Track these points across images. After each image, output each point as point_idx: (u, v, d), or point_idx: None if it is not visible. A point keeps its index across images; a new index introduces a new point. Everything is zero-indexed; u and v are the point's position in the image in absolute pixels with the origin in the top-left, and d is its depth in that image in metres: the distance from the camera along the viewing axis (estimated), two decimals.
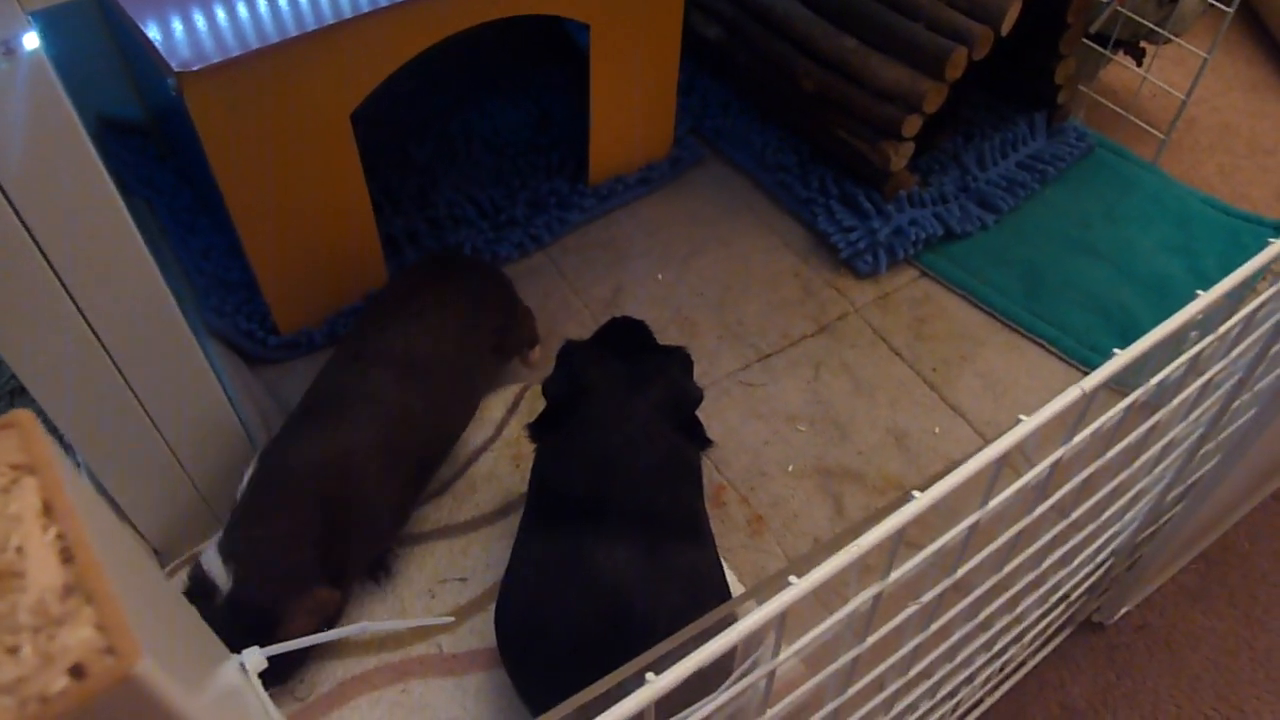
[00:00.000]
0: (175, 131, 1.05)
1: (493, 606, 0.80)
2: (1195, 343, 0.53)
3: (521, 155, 1.18)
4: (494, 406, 0.96)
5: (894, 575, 0.42)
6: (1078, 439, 0.46)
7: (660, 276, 1.10)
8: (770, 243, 1.14)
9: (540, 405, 0.94)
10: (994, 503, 0.44)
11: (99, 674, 0.18)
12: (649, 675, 0.31)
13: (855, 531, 0.36)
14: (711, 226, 1.15)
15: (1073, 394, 0.41)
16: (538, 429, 0.79)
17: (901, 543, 0.40)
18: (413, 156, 1.17)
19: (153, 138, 1.16)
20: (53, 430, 0.78)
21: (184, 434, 0.78)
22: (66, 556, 0.19)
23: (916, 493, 0.37)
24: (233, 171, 0.84)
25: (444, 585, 0.84)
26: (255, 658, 0.32)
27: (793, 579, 0.34)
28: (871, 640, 0.46)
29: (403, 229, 1.09)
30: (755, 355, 1.03)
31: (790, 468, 0.94)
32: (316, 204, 0.92)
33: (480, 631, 0.81)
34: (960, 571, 0.47)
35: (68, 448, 0.77)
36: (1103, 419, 0.49)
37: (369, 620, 0.81)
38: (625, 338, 0.83)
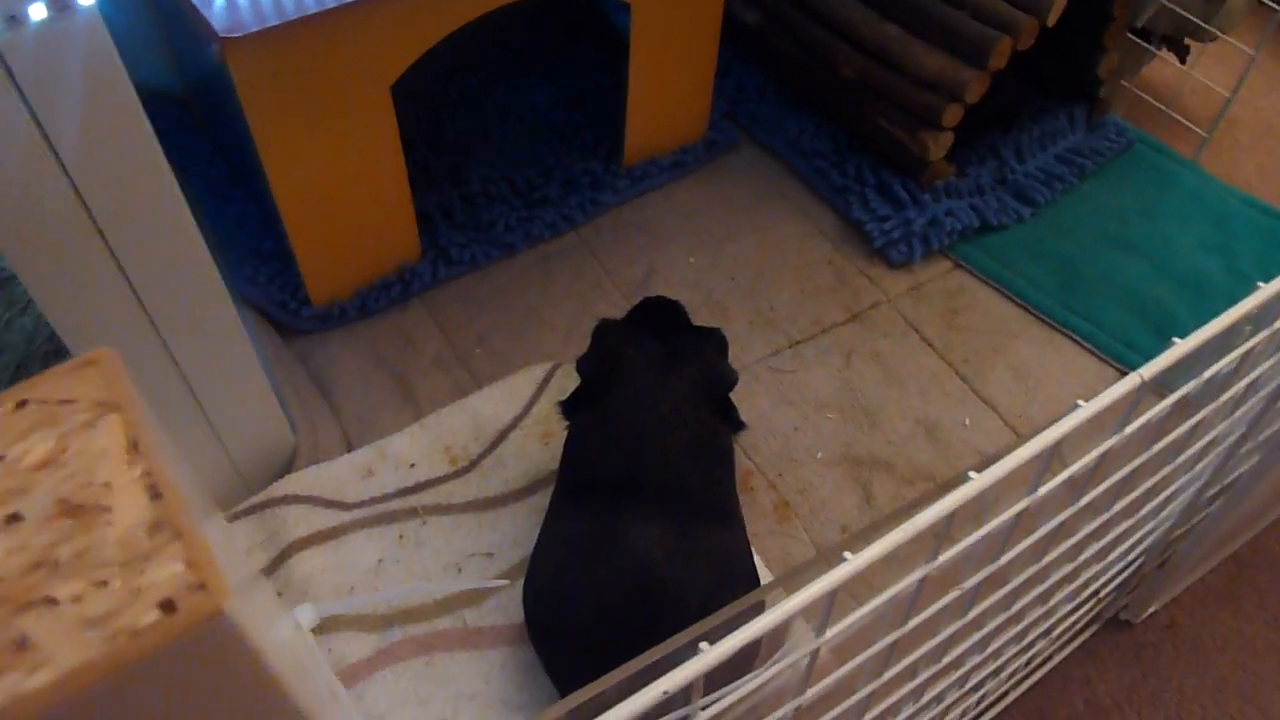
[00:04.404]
0: (212, 101, 1.05)
1: (519, 583, 0.80)
2: (1248, 338, 0.52)
3: (556, 134, 1.18)
4: (523, 384, 0.96)
5: (941, 558, 0.41)
6: (1129, 429, 0.46)
7: (693, 260, 1.09)
8: (804, 229, 1.13)
9: (570, 383, 0.94)
10: (1043, 490, 0.43)
11: (189, 609, 0.18)
12: (703, 645, 0.31)
13: (909, 512, 0.35)
14: (745, 211, 1.14)
15: (1131, 381, 0.41)
16: (570, 407, 0.79)
17: (950, 527, 0.39)
18: (447, 132, 1.17)
19: (189, 107, 1.16)
20: None
21: (220, 402, 0.79)
22: (154, 493, 0.19)
23: (973, 474, 0.36)
24: (273, 141, 0.85)
25: (471, 560, 0.84)
26: (309, 615, 0.32)
27: (847, 555, 0.34)
28: (913, 624, 0.45)
29: (436, 205, 1.08)
30: (786, 342, 1.03)
31: (819, 455, 0.93)
32: (355, 175, 0.92)
33: (505, 607, 0.81)
34: (1004, 559, 0.47)
35: None
36: (1151, 412, 0.48)
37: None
38: (660, 317, 0.83)
